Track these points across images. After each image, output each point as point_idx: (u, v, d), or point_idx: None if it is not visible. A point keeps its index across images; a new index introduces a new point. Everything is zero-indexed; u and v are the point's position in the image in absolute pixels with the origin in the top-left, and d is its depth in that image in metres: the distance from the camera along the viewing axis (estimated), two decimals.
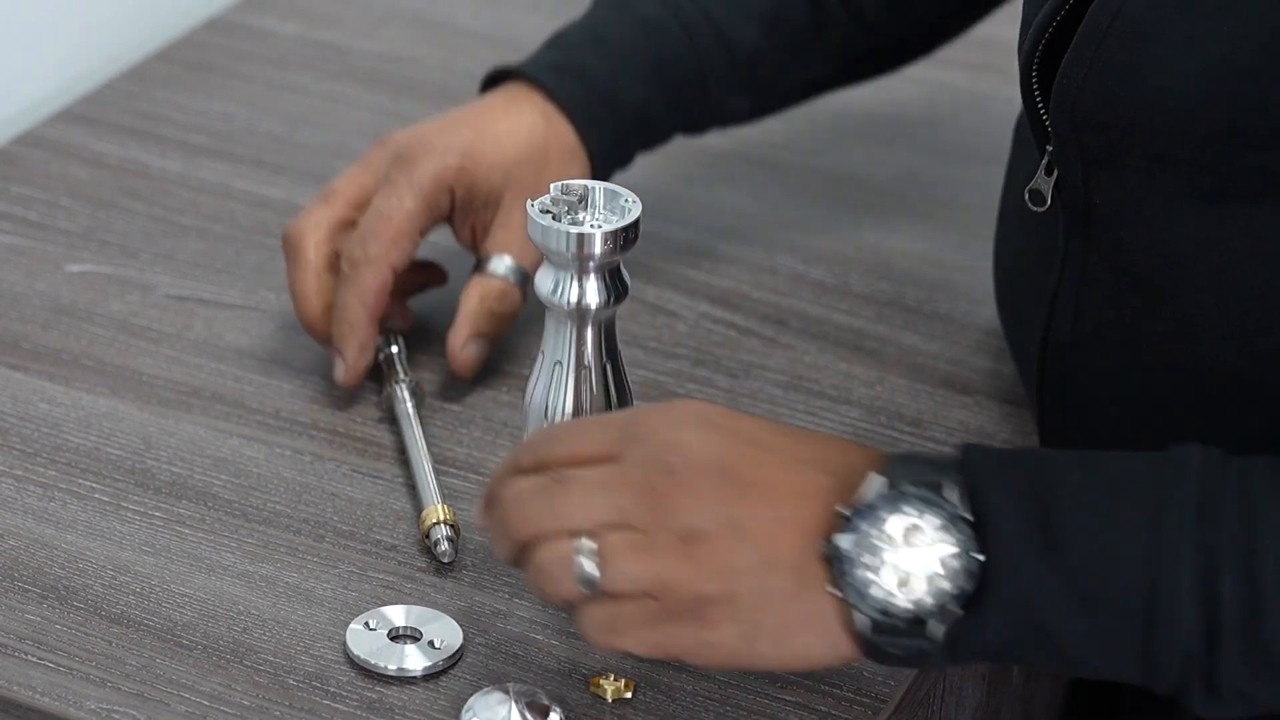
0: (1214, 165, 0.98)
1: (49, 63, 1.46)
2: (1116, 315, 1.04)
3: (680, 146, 1.37)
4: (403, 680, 1.00)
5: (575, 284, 1.00)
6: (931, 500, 0.89)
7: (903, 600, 0.89)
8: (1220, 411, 0.99)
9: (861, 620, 0.89)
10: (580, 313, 1.01)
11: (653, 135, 1.25)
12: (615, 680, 1.00)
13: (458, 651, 1.01)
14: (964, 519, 0.88)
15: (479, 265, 1.18)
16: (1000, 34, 1.49)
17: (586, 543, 0.90)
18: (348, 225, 1.17)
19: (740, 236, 1.31)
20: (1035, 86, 1.05)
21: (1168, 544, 0.88)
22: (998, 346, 1.22)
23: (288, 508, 1.10)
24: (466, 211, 1.18)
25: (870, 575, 0.89)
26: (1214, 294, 1.00)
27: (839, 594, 0.89)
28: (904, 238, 1.32)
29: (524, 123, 1.19)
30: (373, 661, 1.00)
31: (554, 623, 1.03)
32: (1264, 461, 0.91)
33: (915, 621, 0.89)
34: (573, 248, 0.99)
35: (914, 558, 0.88)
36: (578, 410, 1.02)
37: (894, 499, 0.89)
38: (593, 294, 1.00)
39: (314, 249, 1.16)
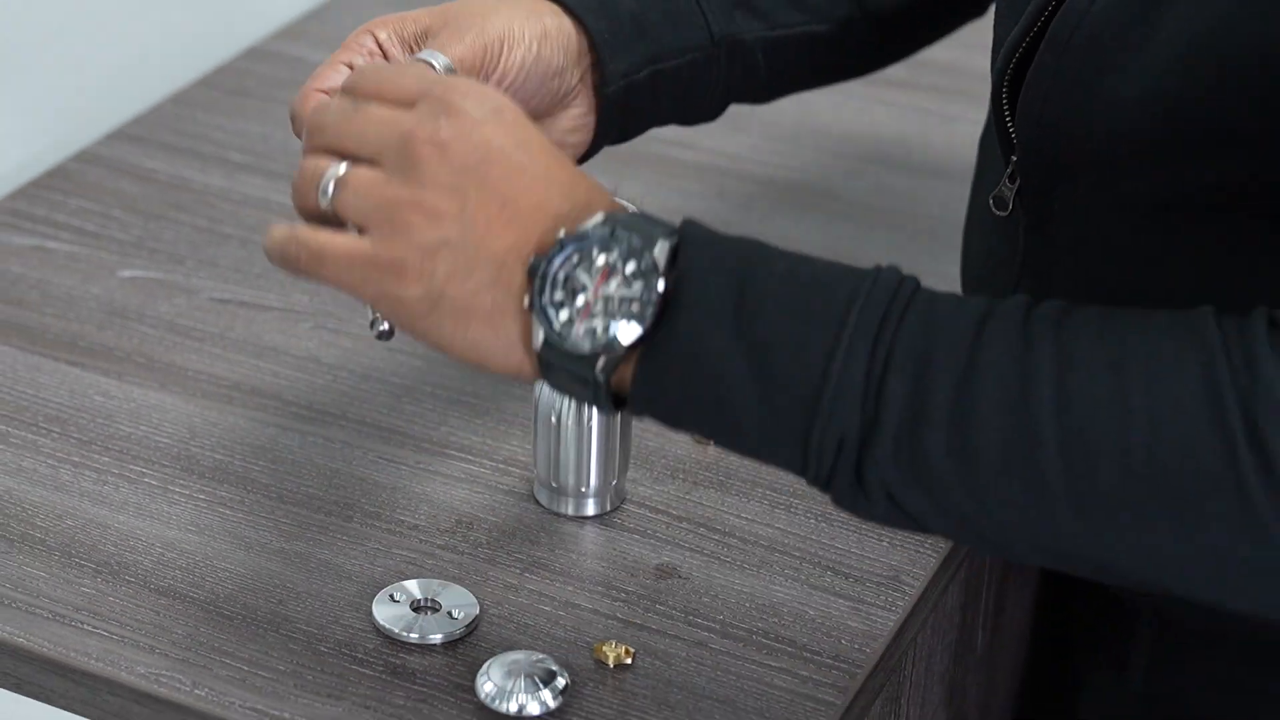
0: (1164, 175, 0.98)
1: (103, 87, 1.46)
2: None
3: (679, 165, 1.38)
4: (423, 647, 1.00)
5: None
6: (638, 248, 0.86)
7: (579, 329, 0.86)
8: None
9: (538, 336, 0.86)
10: None
11: (651, 49, 1.10)
12: (616, 647, 1.00)
13: (474, 621, 1.01)
14: (659, 274, 0.85)
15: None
16: (965, 61, 1.50)
17: (342, 167, 0.88)
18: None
19: None
20: (1005, 100, 1.05)
21: (848, 338, 0.84)
22: None
23: (319, 491, 1.10)
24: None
25: (558, 298, 0.86)
26: (1161, 294, 1.00)
27: (527, 305, 0.87)
28: (878, 244, 1.32)
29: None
30: (396, 630, 1.00)
31: (560, 595, 1.04)
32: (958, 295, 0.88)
33: (586, 354, 0.86)
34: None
35: (602, 294, 0.86)
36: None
37: (605, 238, 0.86)
38: None
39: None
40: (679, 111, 1.15)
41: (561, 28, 1.07)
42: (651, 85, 1.11)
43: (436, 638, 1.00)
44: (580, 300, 0.86)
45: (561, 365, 0.87)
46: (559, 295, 0.86)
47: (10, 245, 1.28)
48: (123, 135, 1.40)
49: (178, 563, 1.05)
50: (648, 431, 1.14)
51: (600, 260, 0.86)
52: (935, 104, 1.47)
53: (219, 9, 1.54)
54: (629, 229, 0.86)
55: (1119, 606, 1.13)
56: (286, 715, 0.96)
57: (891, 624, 1.03)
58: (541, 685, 0.96)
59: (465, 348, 0.88)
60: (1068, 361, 0.83)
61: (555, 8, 1.07)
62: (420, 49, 1.03)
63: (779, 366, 0.84)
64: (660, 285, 0.85)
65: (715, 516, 1.09)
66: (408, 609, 1.02)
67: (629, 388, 0.86)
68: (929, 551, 1.07)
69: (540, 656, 0.98)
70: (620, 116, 1.10)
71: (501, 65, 1.04)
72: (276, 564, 1.05)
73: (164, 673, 0.98)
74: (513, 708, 0.96)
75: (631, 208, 0.90)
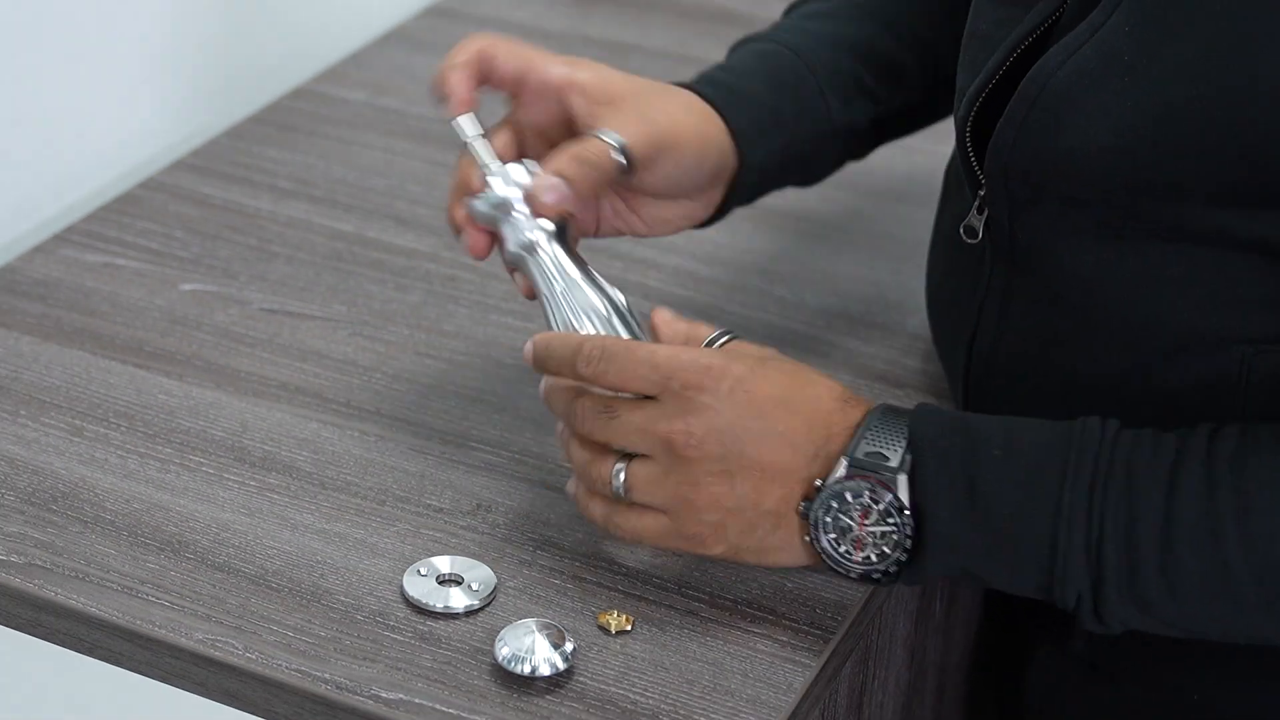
0: (1117, 210, 0.97)
1: (166, 123, 1.46)
2: (1032, 328, 1.03)
3: None
4: (448, 616, 0.99)
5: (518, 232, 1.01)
6: (879, 492, 0.94)
7: (857, 558, 0.96)
8: (1117, 409, 0.99)
9: (825, 557, 0.97)
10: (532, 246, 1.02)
11: (784, 133, 1.12)
12: (618, 616, 0.99)
13: (492, 593, 1.01)
14: (904, 508, 0.94)
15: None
16: None
17: (622, 466, 0.97)
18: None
19: (718, 263, 1.30)
20: (969, 144, 1.04)
21: (1065, 512, 0.92)
22: (924, 349, 1.22)
23: (356, 478, 1.09)
24: (583, 107, 1.05)
25: (832, 536, 0.96)
26: (1113, 313, 1.00)
27: (809, 541, 0.97)
28: (848, 262, 1.31)
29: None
30: (424, 601, 1.00)
31: (569, 570, 1.03)
32: (1150, 436, 0.93)
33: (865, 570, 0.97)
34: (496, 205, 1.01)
35: (865, 532, 0.95)
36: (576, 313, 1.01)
37: (856, 490, 0.94)
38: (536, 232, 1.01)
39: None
40: (796, 182, 1.18)
41: (717, 128, 1.08)
42: (780, 169, 1.13)
43: (459, 608, 1.00)
44: (851, 536, 0.96)
45: (849, 569, 0.97)
46: (832, 534, 0.96)
47: (84, 262, 1.27)
48: (184, 165, 1.39)
49: (231, 541, 1.04)
50: None
51: (856, 506, 0.95)
52: None
53: (269, 54, 1.54)
54: (873, 466, 0.94)
55: None
56: (327, 675, 0.96)
57: (860, 595, 1.02)
58: (552, 649, 0.96)
59: (770, 564, 0.99)
60: (1247, 505, 0.91)
61: (703, 103, 1.08)
62: (595, 118, 1.03)
63: (1013, 548, 0.93)
64: (910, 524, 0.94)
65: None
66: (434, 582, 1.01)
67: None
68: None
69: (551, 624, 0.97)
70: (747, 196, 1.13)
71: (667, 164, 1.06)
72: (318, 542, 1.04)
73: (219, 638, 0.97)
74: (526, 669, 0.95)
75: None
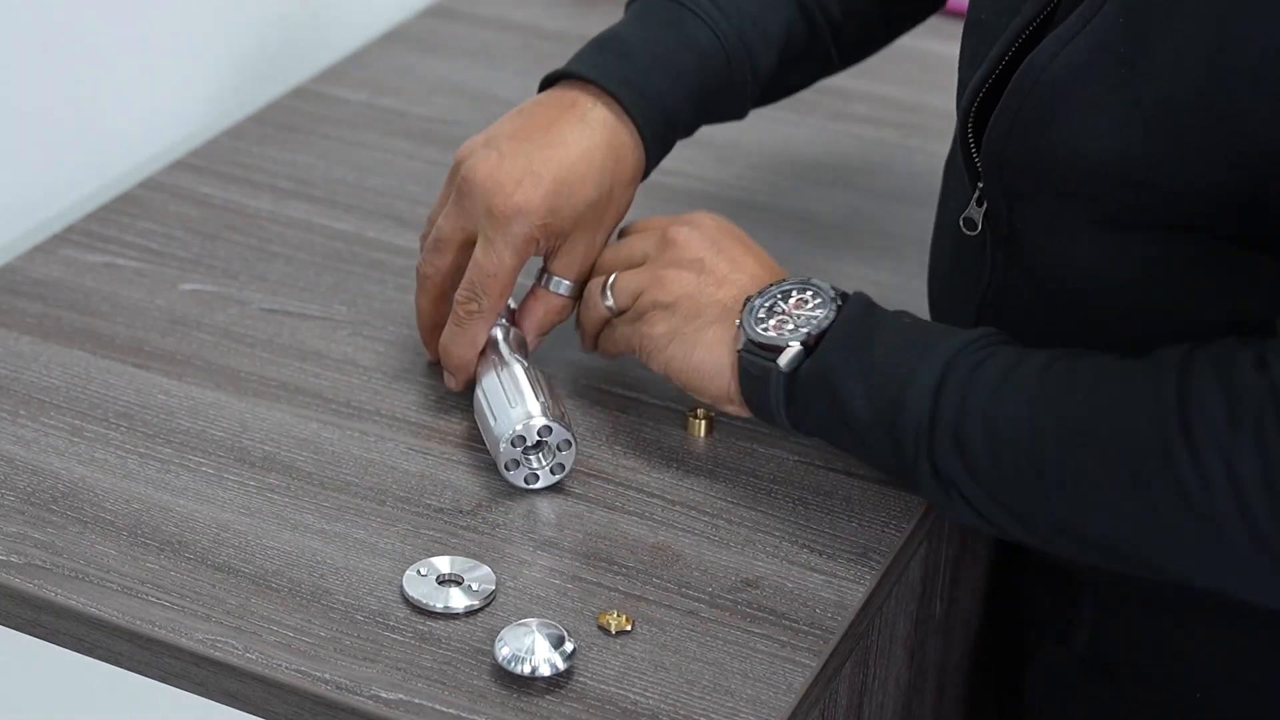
0: (1113, 203, 0.98)
1: (166, 123, 1.46)
2: (1032, 320, 1.04)
3: (667, 189, 1.37)
4: (448, 616, 0.99)
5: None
6: (825, 291, 1.05)
7: (770, 331, 1.04)
8: None
9: (740, 339, 1.04)
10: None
11: (683, 137, 1.19)
12: (618, 616, 0.99)
13: (492, 593, 1.01)
14: (838, 300, 1.04)
15: (542, 278, 1.13)
16: (926, 100, 1.50)
17: (609, 286, 1.11)
18: (457, 269, 1.12)
19: None
20: (970, 135, 1.04)
21: (922, 371, 0.98)
22: None
23: (356, 478, 1.09)
24: (542, 244, 1.12)
25: (760, 316, 1.05)
26: (1112, 303, 1.00)
27: (737, 324, 1.05)
28: (848, 262, 1.31)
29: (595, 161, 1.11)
30: (424, 601, 1.00)
31: (569, 570, 1.03)
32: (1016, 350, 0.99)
33: (773, 351, 1.03)
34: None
35: (790, 314, 1.04)
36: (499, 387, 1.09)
37: (802, 285, 1.06)
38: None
39: (437, 288, 1.13)
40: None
41: (638, 156, 1.15)
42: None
43: (459, 608, 1.00)
44: (777, 316, 1.04)
45: (753, 363, 1.04)
46: (761, 314, 1.04)
47: (85, 262, 1.27)
48: (184, 165, 1.39)
49: (231, 541, 1.04)
50: (645, 425, 1.13)
51: (795, 294, 1.05)
52: (897, 137, 1.46)
53: (269, 54, 1.54)
54: (819, 285, 1.05)
55: (1064, 581, 1.12)
56: (327, 675, 0.96)
57: (860, 595, 1.02)
58: (552, 649, 0.96)
59: (688, 370, 1.07)
60: (1052, 394, 0.95)
61: (634, 148, 1.14)
62: (553, 238, 1.12)
63: (879, 386, 1.00)
64: (831, 316, 1.02)
65: (705, 500, 1.08)
66: (434, 582, 1.01)
67: (785, 410, 1.04)
68: (893, 531, 1.06)
69: (550, 624, 0.97)
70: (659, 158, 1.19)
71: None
72: (318, 542, 1.04)
73: (219, 638, 0.98)
74: (526, 669, 0.95)
75: None
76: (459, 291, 1.11)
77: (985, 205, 1.04)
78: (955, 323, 1.10)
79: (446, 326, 1.12)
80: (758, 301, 1.05)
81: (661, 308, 1.07)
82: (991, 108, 1.02)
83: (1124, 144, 0.95)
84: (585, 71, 1.13)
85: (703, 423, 1.11)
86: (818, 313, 1.03)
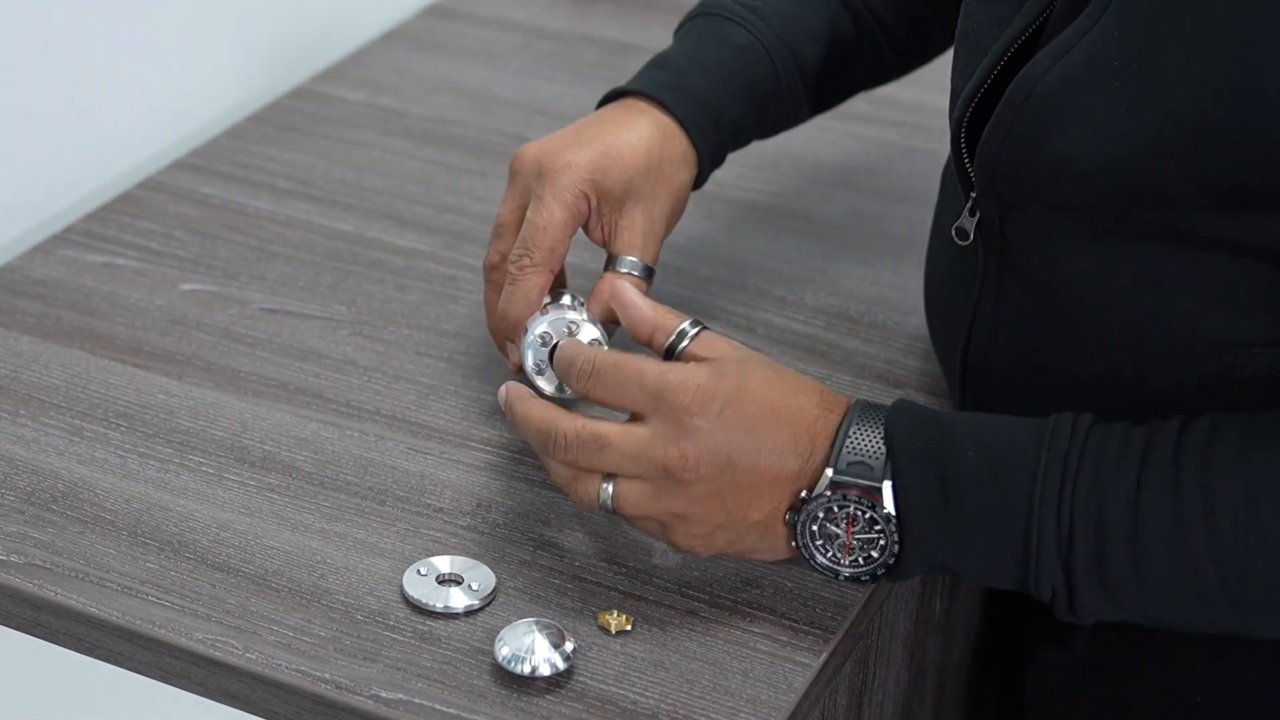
0: (1108, 215, 0.97)
1: (166, 123, 1.46)
2: (1026, 329, 1.03)
3: None
4: (448, 616, 1.00)
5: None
6: (868, 504, 0.95)
7: (844, 563, 0.98)
8: (1113, 412, 0.99)
9: (806, 554, 0.99)
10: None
11: (740, 141, 1.20)
12: (618, 615, 0.99)
13: (492, 593, 1.01)
14: (890, 517, 0.95)
15: (609, 263, 1.11)
16: (925, 101, 1.50)
17: (609, 489, 0.98)
18: None
19: (718, 262, 1.31)
20: (963, 145, 1.04)
21: (1036, 510, 0.93)
22: (924, 349, 1.22)
23: (356, 478, 1.09)
24: (597, 215, 1.11)
25: (819, 543, 0.98)
26: (1108, 314, 1.00)
27: (796, 547, 0.98)
28: (848, 262, 1.31)
29: (643, 136, 1.12)
30: (424, 601, 1.00)
31: (569, 570, 1.03)
32: (1120, 431, 0.95)
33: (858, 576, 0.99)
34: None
35: (853, 539, 0.97)
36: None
37: (841, 501, 0.96)
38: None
39: (502, 276, 1.12)
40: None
41: (692, 171, 1.15)
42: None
43: (459, 608, 1.00)
44: (838, 543, 0.97)
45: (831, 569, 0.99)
46: (819, 541, 0.97)
47: (84, 262, 1.27)
48: (183, 165, 1.39)
49: (231, 541, 1.04)
50: None
51: (843, 515, 0.96)
52: (898, 137, 1.46)
53: (269, 54, 1.54)
54: (856, 475, 0.95)
55: None
56: (327, 675, 0.96)
57: (860, 594, 1.02)
58: (552, 649, 0.96)
59: (751, 559, 1.02)
60: (1212, 502, 0.92)
61: (687, 148, 1.14)
62: (605, 209, 1.11)
63: (988, 542, 0.95)
64: (895, 532, 0.96)
65: None
66: (434, 582, 1.01)
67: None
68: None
69: (551, 624, 0.97)
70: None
71: (663, 241, 1.14)
72: (318, 542, 1.04)
73: (219, 638, 0.98)
74: (526, 669, 0.95)
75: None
76: (512, 252, 1.10)
77: (978, 215, 1.04)
78: (950, 332, 1.10)
79: (503, 290, 1.10)
80: (802, 521, 0.97)
81: (697, 538, 0.99)
82: (984, 118, 1.01)
83: (1120, 156, 0.94)
84: (629, 86, 1.16)
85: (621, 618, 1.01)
86: (879, 539, 0.96)
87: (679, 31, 1.22)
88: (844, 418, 0.97)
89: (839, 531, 0.97)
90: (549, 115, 1.48)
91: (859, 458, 0.96)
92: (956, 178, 1.05)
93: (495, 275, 1.12)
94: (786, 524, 0.98)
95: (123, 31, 1.40)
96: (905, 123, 1.48)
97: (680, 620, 1.00)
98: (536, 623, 0.97)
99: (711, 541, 0.98)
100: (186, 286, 1.26)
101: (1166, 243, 0.96)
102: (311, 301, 1.25)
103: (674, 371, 0.97)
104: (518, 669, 0.95)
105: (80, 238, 1.30)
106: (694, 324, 1.01)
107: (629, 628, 0.99)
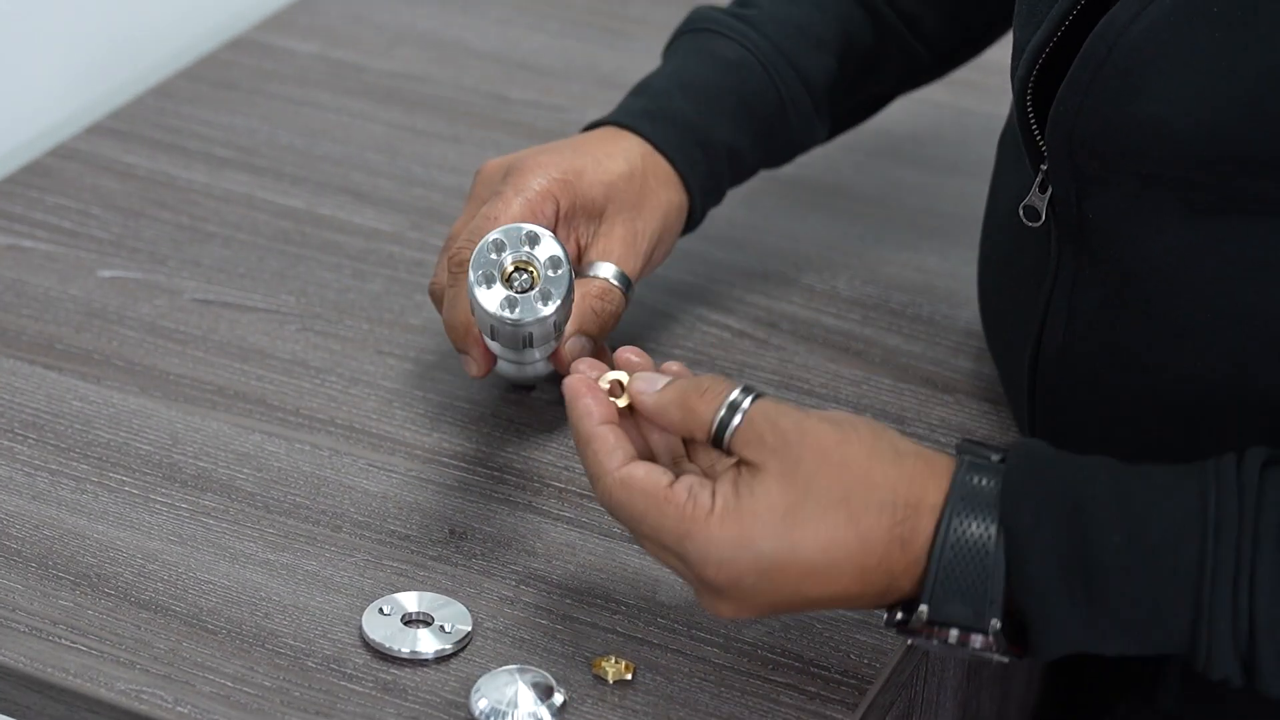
0: (1205, 185, 0.97)
1: (81, 79, 1.46)
2: (1108, 324, 1.03)
3: None
4: (415, 662, 1.00)
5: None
6: (969, 642, 0.92)
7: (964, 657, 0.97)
8: (1208, 416, 0.99)
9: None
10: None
11: (741, 170, 1.21)
12: (616, 662, 1.00)
13: (467, 635, 1.01)
14: (1006, 649, 0.92)
15: (581, 272, 1.13)
16: (983, 54, 1.50)
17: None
18: None
19: (734, 244, 1.31)
20: (1030, 108, 1.04)
21: (1206, 611, 0.89)
22: (977, 348, 1.22)
23: (307, 499, 1.10)
24: (570, 224, 1.12)
25: (934, 645, 0.94)
26: (1204, 304, 1.00)
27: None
28: (888, 245, 1.32)
29: (622, 148, 1.16)
30: (387, 645, 1.00)
31: (558, 608, 1.03)
32: None
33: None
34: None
35: (969, 653, 0.93)
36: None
37: (940, 644, 0.93)
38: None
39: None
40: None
41: (683, 198, 1.18)
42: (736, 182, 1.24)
43: (428, 653, 1.00)
44: (954, 652, 0.93)
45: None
46: (934, 644, 0.93)
47: None
48: (102, 129, 1.40)
49: (159, 574, 1.04)
50: None
51: (948, 637, 0.92)
52: (947, 97, 1.47)
53: None
54: (952, 618, 0.92)
55: None
56: None
57: (900, 639, 1.02)
58: (538, 702, 0.96)
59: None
60: None
61: (670, 174, 1.17)
62: (580, 219, 1.13)
63: (1151, 646, 0.91)
64: (1011, 655, 0.92)
65: None
66: (399, 623, 1.01)
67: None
68: None
69: (536, 672, 0.98)
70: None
71: (654, 259, 1.17)
72: (262, 576, 1.05)
73: (145, 689, 0.98)
74: None
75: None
76: (454, 246, 1.09)
77: (1050, 191, 1.04)
78: (1013, 329, 1.10)
79: (445, 295, 1.10)
80: (916, 638, 0.94)
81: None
82: (1054, 77, 1.02)
83: (1220, 117, 0.95)
84: (607, 117, 1.19)
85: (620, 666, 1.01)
86: (991, 654, 0.93)
87: (666, 51, 1.24)
88: (935, 537, 0.91)
89: (951, 652, 0.94)
90: (532, 70, 1.48)
91: (954, 596, 0.91)
92: (1022, 146, 1.06)
93: (437, 300, 1.13)
94: (888, 625, 0.95)
95: None
96: (956, 80, 1.48)
97: (690, 668, 1.01)
98: (520, 671, 0.98)
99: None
100: (106, 273, 1.26)
101: (1272, 220, 0.97)
102: (254, 291, 1.25)
103: (693, 539, 0.92)
104: None
105: None
106: (744, 392, 0.94)
107: (629, 677, 1.00)
